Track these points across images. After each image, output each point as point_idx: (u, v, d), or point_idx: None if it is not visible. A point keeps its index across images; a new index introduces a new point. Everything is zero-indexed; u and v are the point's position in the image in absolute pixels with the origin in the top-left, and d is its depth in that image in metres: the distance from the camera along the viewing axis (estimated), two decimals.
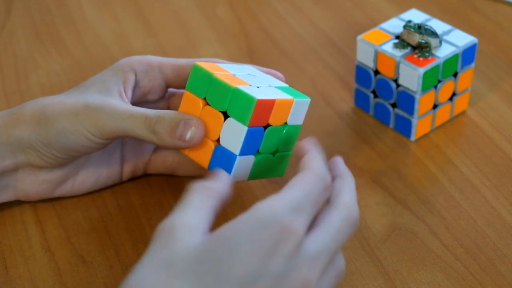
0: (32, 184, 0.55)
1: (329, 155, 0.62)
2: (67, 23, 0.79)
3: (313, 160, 0.46)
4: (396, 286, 0.52)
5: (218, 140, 0.51)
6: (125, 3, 0.82)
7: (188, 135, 0.51)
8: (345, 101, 0.68)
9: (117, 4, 0.82)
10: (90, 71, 0.72)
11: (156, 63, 0.57)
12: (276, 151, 0.53)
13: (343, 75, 0.71)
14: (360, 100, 0.66)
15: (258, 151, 0.51)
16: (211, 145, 0.51)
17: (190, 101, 0.52)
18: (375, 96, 0.64)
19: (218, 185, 0.46)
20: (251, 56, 0.74)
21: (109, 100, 0.53)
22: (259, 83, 0.53)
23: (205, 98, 0.51)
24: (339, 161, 0.49)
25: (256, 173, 0.52)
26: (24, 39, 0.77)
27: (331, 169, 0.48)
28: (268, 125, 0.51)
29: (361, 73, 0.64)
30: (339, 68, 0.72)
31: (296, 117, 0.53)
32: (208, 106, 0.51)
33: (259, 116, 0.50)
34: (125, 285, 0.40)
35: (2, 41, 0.76)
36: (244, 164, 0.51)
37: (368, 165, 0.61)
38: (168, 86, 0.58)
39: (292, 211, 0.41)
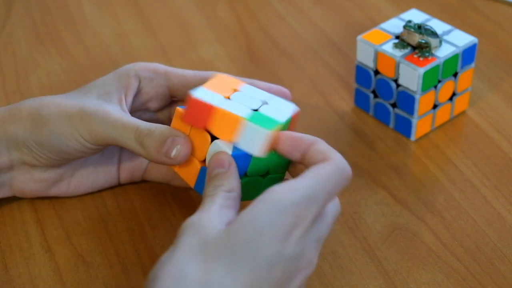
0: (27, 182, 0.55)
1: None
2: (67, 23, 0.79)
3: (330, 150, 0.47)
4: (396, 286, 0.52)
5: (204, 161, 0.50)
6: (125, 3, 0.82)
7: (173, 153, 0.50)
8: (345, 101, 0.68)
9: (117, 4, 0.82)
10: (90, 71, 0.72)
11: (162, 71, 0.57)
12: (267, 173, 0.51)
13: (343, 75, 0.71)
14: (360, 100, 0.66)
15: (246, 174, 0.50)
16: (198, 166, 0.50)
17: (181, 119, 0.51)
18: (375, 96, 0.64)
19: (236, 186, 0.47)
20: (251, 56, 0.74)
21: (106, 106, 0.53)
22: (249, 102, 0.51)
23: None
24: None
25: (245, 195, 0.50)
26: (24, 39, 0.77)
27: (298, 140, 0.48)
28: None
29: (361, 73, 0.64)
30: (339, 68, 0.72)
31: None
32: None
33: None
34: (161, 273, 0.41)
35: (2, 41, 0.76)
36: None
37: (368, 165, 0.61)
38: (172, 96, 0.58)
39: (307, 199, 0.43)
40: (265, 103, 0.51)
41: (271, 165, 0.51)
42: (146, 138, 0.51)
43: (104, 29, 0.78)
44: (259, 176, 0.51)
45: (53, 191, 0.57)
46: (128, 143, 0.52)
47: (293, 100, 0.67)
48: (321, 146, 0.47)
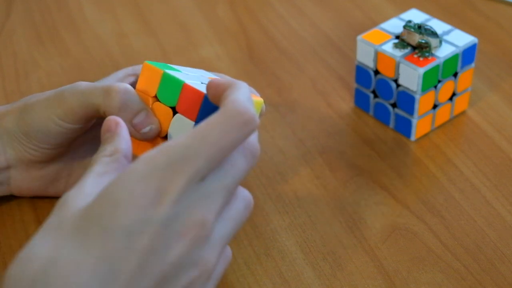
0: (25, 181, 0.55)
1: (329, 155, 0.62)
2: (67, 23, 0.79)
3: (232, 93, 0.44)
4: (396, 286, 0.52)
5: (165, 137, 0.50)
6: (125, 3, 0.82)
7: (147, 129, 0.50)
8: (345, 101, 0.68)
9: (117, 4, 0.82)
10: (90, 71, 0.72)
11: None
12: None
13: (343, 75, 0.71)
14: (360, 100, 0.66)
15: None
16: (159, 142, 0.50)
17: (142, 99, 0.51)
18: (375, 96, 0.64)
19: (121, 146, 0.45)
20: (251, 56, 0.74)
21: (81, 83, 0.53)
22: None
23: (155, 96, 0.50)
24: (224, 77, 0.48)
25: None
26: (24, 39, 0.77)
27: (218, 85, 0.46)
28: None
29: (361, 73, 0.64)
30: (339, 68, 0.72)
31: None
32: (158, 102, 0.50)
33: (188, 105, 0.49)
34: (15, 259, 0.40)
35: (2, 41, 0.76)
36: None
37: (368, 165, 0.61)
38: None
39: (174, 161, 0.41)
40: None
41: None
42: (115, 92, 0.50)
43: (104, 29, 0.78)
44: None
45: (51, 190, 0.57)
46: (95, 102, 0.51)
47: (293, 100, 0.68)
48: (229, 90, 0.44)
